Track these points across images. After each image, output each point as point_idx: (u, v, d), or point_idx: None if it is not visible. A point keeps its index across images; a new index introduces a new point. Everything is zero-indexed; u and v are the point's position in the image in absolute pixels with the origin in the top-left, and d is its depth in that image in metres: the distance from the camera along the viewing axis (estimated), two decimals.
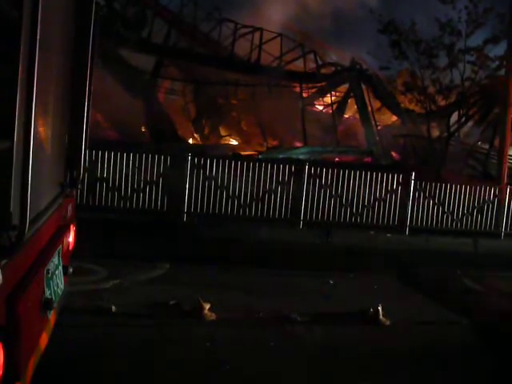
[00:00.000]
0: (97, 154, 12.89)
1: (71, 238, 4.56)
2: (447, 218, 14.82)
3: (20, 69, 2.39)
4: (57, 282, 3.73)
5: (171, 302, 7.55)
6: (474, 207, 14.97)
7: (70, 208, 4.61)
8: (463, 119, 22.07)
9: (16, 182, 2.54)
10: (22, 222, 2.63)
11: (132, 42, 24.08)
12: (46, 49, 2.82)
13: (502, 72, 18.64)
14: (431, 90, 20.67)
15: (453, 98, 20.85)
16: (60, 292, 3.84)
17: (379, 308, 7.63)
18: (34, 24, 2.47)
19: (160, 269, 9.58)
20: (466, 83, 19.86)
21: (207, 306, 7.27)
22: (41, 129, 3.33)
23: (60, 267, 3.92)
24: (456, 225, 14.90)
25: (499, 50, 19.04)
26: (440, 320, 8.37)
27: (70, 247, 4.53)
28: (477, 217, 15.02)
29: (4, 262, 2.53)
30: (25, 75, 2.46)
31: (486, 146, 26.76)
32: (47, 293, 3.40)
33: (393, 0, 37.63)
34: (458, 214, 14.90)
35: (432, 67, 20.05)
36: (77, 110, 4.31)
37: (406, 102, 23.08)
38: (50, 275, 3.50)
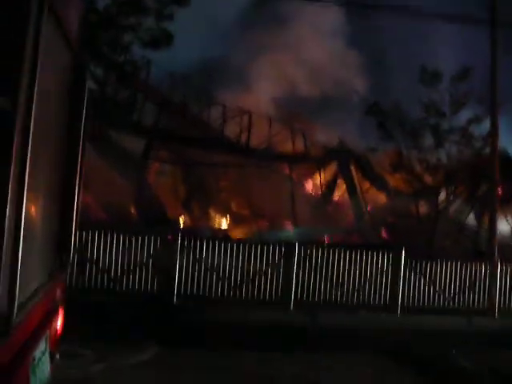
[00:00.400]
0: (87, 236, 12.86)
1: (59, 323, 4.49)
2: (439, 296, 14.74)
3: (13, 155, 2.42)
4: (42, 370, 3.65)
5: None
6: (466, 285, 14.91)
7: (59, 291, 4.57)
8: (451, 197, 22.27)
9: (5, 268, 2.53)
10: (9, 308, 2.60)
11: (123, 124, 24.42)
12: (39, 135, 2.87)
13: (487, 150, 19.00)
14: (418, 169, 20.97)
15: (440, 177, 21.11)
16: (46, 380, 3.75)
17: None
18: (28, 115, 2.52)
19: (149, 352, 9.42)
20: (453, 162, 20.18)
21: None
22: (31, 213, 3.34)
23: (47, 354, 3.85)
24: (449, 303, 14.80)
25: (483, 128, 19.49)
26: None
27: (58, 332, 4.46)
28: (469, 294, 14.94)
29: None
30: (17, 161, 2.50)
31: (475, 223, 26.92)
32: (32, 380, 3.33)
33: (377, 83, 38.60)
34: (450, 291, 14.83)
35: (418, 147, 20.41)
36: (68, 193, 4.34)
37: (394, 181, 23.34)
38: (35, 362, 3.43)
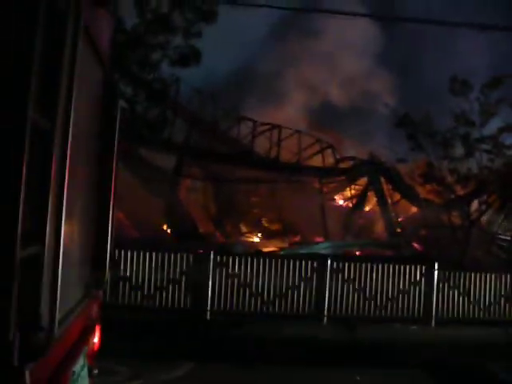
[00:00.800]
0: (119, 253, 12.99)
1: (96, 339, 4.56)
2: (473, 307, 14.56)
3: (52, 177, 2.49)
4: None
5: None
6: (501, 295, 14.72)
7: (95, 308, 4.64)
8: (483, 207, 22.02)
9: (46, 285, 2.60)
10: (50, 323, 2.67)
11: (153, 142, 24.66)
12: (75, 154, 2.95)
13: None
14: (449, 179, 20.79)
15: (472, 187, 20.91)
16: None
17: None
18: (66, 134, 2.60)
19: (183, 368, 9.48)
20: (484, 171, 19.98)
21: None
22: (69, 232, 3.42)
23: (85, 368, 3.91)
24: (484, 314, 14.61)
25: None
26: None
27: (95, 348, 4.53)
28: (505, 305, 14.74)
29: (32, 365, 2.55)
30: (56, 183, 2.57)
31: (509, 233, 26.58)
32: None
33: (406, 94, 38.52)
34: (484, 302, 14.65)
35: (448, 157, 20.25)
36: (102, 211, 4.42)
37: (425, 192, 23.16)
38: (75, 377, 3.50)
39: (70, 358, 3.43)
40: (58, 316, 2.71)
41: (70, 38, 2.60)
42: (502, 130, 19.64)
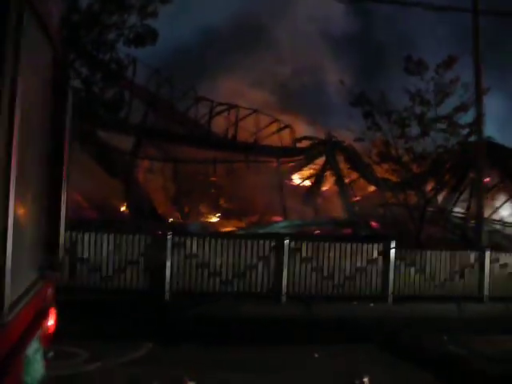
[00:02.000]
0: (77, 235, 12.87)
1: (51, 322, 4.52)
2: (429, 284, 14.85)
3: None
4: (36, 368, 3.70)
5: None
6: (455, 272, 15.03)
7: (49, 291, 4.60)
8: (439, 186, 22.40)
9: None
10: (0, 307, 2.64)
11: (110, 123, 24.38)
12: (23, 135, 2.90)
13: (473, 138, 19.14)
14: (405, 158, 21.03)
15: (427, 166, 21.18)
16: (40, 377, 3.79)
17: (365, 380, 7.57)
18: (11, 116, 2.56)
19: (143, 349, 9.46)
20: (439, 150, 20.25)
21: None
22: (19, 214, 3.37)
23: (39, 352, 3.89)
24: (438, 290, 14.91)
25: (469, 117, 19.61)
26: None
27: (50, 331, 4.50)
28: (459, 281, 15.06)
29: None
30: (2, 162, 2.53)
31: (464, 211, 27.13)
32: (26, 379, 3.37)
33: (362, 73, 38.78)
34: (440, 279, 14.94)
35: (405, 136, 20.47)
36: (55, 193, 4.36)
37: (382, 171, 23.42)
38: (29, 360, 3.47)
39: (23, 341, 3.40)
40: (8, 300, 2.69)
41: (13, 14, 2.55)
42: (456, 110, 19.91)
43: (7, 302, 2.69)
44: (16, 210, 3.13)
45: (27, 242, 3.73)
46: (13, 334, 3.18)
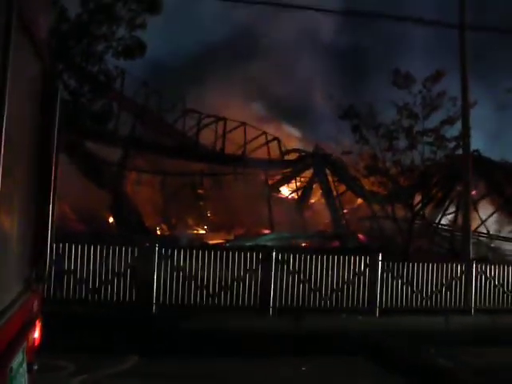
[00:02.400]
0: (64, 247, 12.79)
1: (37, 334, 4.49)
2: (416, 296, 14.86)
3: None
4: (20, 381, 3.66)
5: None
6: (442, 285, 15.06)
7: (35, 303, 4.56)
8: (426, 199, 22.50)
9: None
10: None
11: (98, 134, 24.35)
12: (10, 147, 2.89)
13: (460, 151, 19.24)
14: (393, 171, 21.13)
15: (415, 179, 21.30)
16: None
17: None
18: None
19: (128, 361, 9.42)
20: (427, 163, 20.38)
21: None
22: (5, 226, 3.35)
23: (24, 365, 3.85)
24: (426, 303, 14.93)
25: (455, 130, 19.75)
26: None
27: (36, 343, 4.46)
28: (446, 294, 15.08)
29: None
30: None
31: (451, 223, 27.25)
32: None
33: (351, 87, 38.94)
34: (427, 292, 14.96)
35: (392, 149, 20.59)
36: (42, 205, 4.34)
37: (370, 184, 23.51)
38: (13, 374, 3.44)
39: (8, 354, 3.37)
40: None
41: (0, 25, 2.54)
42: (443, 123, 20.06)
43: None
44: (2, 221, 3.11)
45: (13, 254, 3.71)
46: None
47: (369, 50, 48.99)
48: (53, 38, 14.94)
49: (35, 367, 4.19)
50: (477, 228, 27.17)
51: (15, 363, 3.54)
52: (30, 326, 4.18)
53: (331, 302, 14.31)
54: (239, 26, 46.36)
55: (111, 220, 27.98)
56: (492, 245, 28.10)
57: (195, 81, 40.53)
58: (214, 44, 46.59)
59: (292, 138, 38.30)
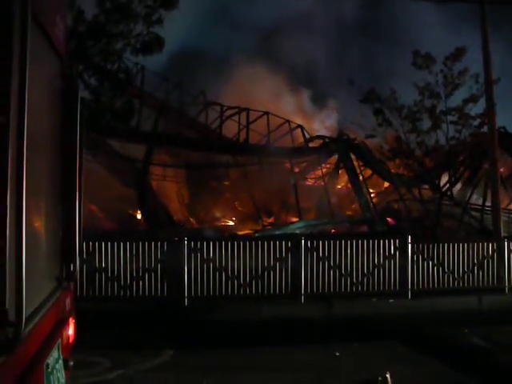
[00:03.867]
0: (94, 245, 12.92)
1: (71, 331, 4.55)
2: (448, 277, 14.75)
3: (9, 170, 2.48)
4: (57, 377, 3.72)
5: None
6: (474, 264, 14.92)
7: (68, 301, 4.62)
8: (453, 178, 22.30)
9: (10, 280, 2.59)
10: (18, 318, 2.66)
11: (122, 132, 24.49)
12: (34, 147, 2.93)
13: (485, 129, 19.01)
14: (418, 152, 20.97)
15: (441, 159, 21.12)
16: None
17: (387, 376, 7.54)
18: (21, 128, 2.57)
19: (164, 356, 9.50)
20: (452, 142, 20.18)
21: None
22: (34, 225, 3.40)
23: (60, 361, 3.91)
24: (458, 283, 14.81)
25: (479, 108, 19.52)
26: (451, 382, 8.25)
27: (71, 340, 4.52)
28: (478, 273, 14.95)
29: (2, 359, 2.55)
30: (14, 177, 2.55)
31: (480, 202, 26.95)
32: None
33: (371, 70, 38.71)
34: (458, 272, 14.84)
35: (416, 131, 20.41)
36: (69, 203, 4.39)
37: (395, 167, 23.35)
38: (49, 370, 3.49)
39: (43, 351, 3.42)
40: (26, 310, 2.71)
41: (17, 26, 2.57)
42: (466, 101, 19.83)
43: (25, 312, 2.71)
44: (30, 220, 3.15)
45: (43, 253, 3.76)
46: (32, 345, 3.20)
47: (387, 31, 48.50)
48: (71, 39, 15.06)
49: (71, 363, 4.24)
50: (507, 205, 26.86)
51: (51, 359, 3.59)
52: (63, 324, 4.24)
53: (362, 287, 14.27)
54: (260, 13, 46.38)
55: (139, 216, 28.17)
56: None
57: (217, 72, 40.61)
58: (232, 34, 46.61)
59: (316, 124, 38.12)
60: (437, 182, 22.65)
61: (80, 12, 16.56)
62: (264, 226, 28.80)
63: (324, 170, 32.87)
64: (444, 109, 19.99)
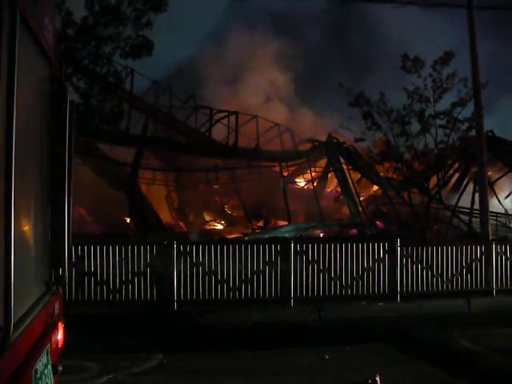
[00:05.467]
0: (82, 249, 12.86)
1: (60, 336, 4.52)
2: (437, 280, 14.80)
3: None
4: (46, 382, 3.69)
5: None
6: (462, 267, 14.98)
7: (57, 305, 4.60)
8: (442, 182, 22.36)
9: None
10: (6, 323, 2.64)
11: (111, 135, 24.42)
12: (23, 150, 2.91)
13: (473, 132, 19.10)
14: (407, 156, 21.02)
15: (430, 162, 21.18)
16: None
17: (377, 379, 7.54)
18: (10, 133, 2.56)
19: (153, 359, 9.46)
20: (440, 146, 20.23)
21: None
22: (22, 229, 3.38)
23: (49, 366, 3.88)
24: (447, 286, 14.87)
25: (467, 112, 19.59)
26: None
27: (59, 345, 4.50)
28: (466, 276, 15.01)
29: None
30: (2, 179, 2.54)
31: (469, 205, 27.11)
32: None
33: (360, 73, 38.84)
34: (447, 275, 14.89)
35: (405, 134, 20.47)
36: (58, 207, 4.37)
37: (384, 170, 23.40)
38: (38, 375, 3.47)
39: (32, 356, 3.40)
40: (14, 315, 2.69)
41: (6, 29, 2.55)
42: (454, 105, 19.92)
43: (13, 317, 2.69)
44: (19, 224, 3.14)
45: (32, 257, 3.74)
46: (21, 350, 3.18)
47: (375, 36, 48.75)
48: (60, 41, 15.00)
49: (60, 368, 4.22)
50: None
51: (40, 365, 3.57)
52: (52, 328, 4.22)
53: (352, 290, 14.29)
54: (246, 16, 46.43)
55: (128, 220, 28.11)
56: (511, 225, 27.93)
57: (204, 76, 40.62)
58: (219, 39, 46.63)
59: (305, 128, 38.13)
60: (426, 185, 22.70)
61: (69, 14, 16.49)
62: (253, 229, 28.81)
63: (313, 174, 32.96)
64: (433, 113, 20.04)
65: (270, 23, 47.26)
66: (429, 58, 20.08)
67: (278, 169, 31.43)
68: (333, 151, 30.83)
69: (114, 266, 13.12)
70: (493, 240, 16.42)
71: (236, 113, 31.68)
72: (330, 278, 14.14)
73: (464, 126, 19.88)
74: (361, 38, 48.24)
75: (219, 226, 31.35)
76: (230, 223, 30.87)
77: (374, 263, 14.44)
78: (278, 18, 48.02)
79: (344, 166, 30.92)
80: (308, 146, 33.81)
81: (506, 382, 8.30)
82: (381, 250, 14.52)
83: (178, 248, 13.45)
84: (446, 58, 19.90)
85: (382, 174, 25.82)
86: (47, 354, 3.88)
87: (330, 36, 47.14)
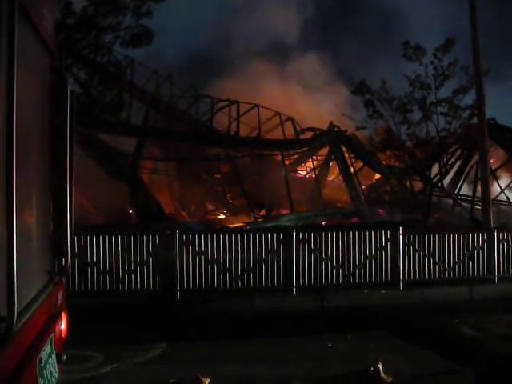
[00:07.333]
0: (85, 239, 12.89)
1: (63, 326, 4.54)
2: (439, 268, 14.81)
3: None
4: (50, 371, 3.71)
5: (171, 381, 7.44)
6: (464, 255, 14.98)
7: (60, 295, 4.61)
8: (444, 170, 22.35)
9: (2, 275, 2.59)
10: (9, 313, 2.66)
11: (112, 126, 24.41)
12: (23, 141, 2.91)
13: (475, 120, 19.03)
14: (409, 144, 20.99)
15: (431, 150, 21.14)
16: (54, 381, 3.81)
17: (379, 366, 7.56)
18: (10, 121, 2.56)
19: (156, 349, 9.49)
20: (442, 134, 20.19)
21: (207, 381, 7.19)
22: (25, 220, 3.39)
23: (53, 355, 3.90)
24: (449, 274, 14.88)
25: (469, 99, 19.53)
26: (442, 371, 8.30)
27: (63, 335, 4.52)
28: (468, 264, 15.02)
29: None
30: (3, 170, 2.54)
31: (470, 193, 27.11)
32: (41, 383, 3.39)
33: (362, 61, 38.75)
34: (449, 263, 14.90)
35: (407, 122, 20.42)
36: (60, 197, 4.37)
37: (386, 158, 23.38)
38: (42, 364, 3.49)
39: (36, 346, 3.42)
40: (18, 305, 2.70)
41: (5, 20, 2.55)
42: (456, 92, 19.86)
43: (17, 307, 2.70)
44: (21, 215, 3.14)
45: (34, 248, 3.75)
46: (25, 340, 3.19)
47: (376, 23, 48.63)
48: (60, 31, 14.96)
49: (64, 358, 4.24)
50: (496, 196, 27.00)
51: (44, 354, 3.59)
52: (55, 318, 4.24)
53: (354, 278, 14.30)
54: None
55: (130, 210, 28.12)
56: None
57: (205, 65, 40.54)
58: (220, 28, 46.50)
59: (306, 117, 38.09)
60: (427, 173, 22.69)
61: (68, 3, 16.45)
62: (255, 218, 28.81)
63: (315, 162, 32.93)
64: (434, 100, 19.99)
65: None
66: (431, 45, 20.03)
67: (279, 157, 31.40)
68: (334, 140, 30.79)
69: (117, 256, 13.15)
70: (495, 227, 16.41)
71: (237, 102, 31.62)
72: (333, 267, 14.16)
73: (466, 114, 19.84)
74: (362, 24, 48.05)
75: (221, 216, 31.36)
76: (232, 212, 30.86)
77: (376, 251, 14.45)
78: None
79: (346, 155, 30.89)
80: (309, 134, 33.75)
81: (507, 367, 8.32)
82: (383, 237, 14.53)
83: (181, 237, 13.47)
84: (447, 45, 19.83)
85: (383, 162, 25.80)
86: (51, 344, 3.90)
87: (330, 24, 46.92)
